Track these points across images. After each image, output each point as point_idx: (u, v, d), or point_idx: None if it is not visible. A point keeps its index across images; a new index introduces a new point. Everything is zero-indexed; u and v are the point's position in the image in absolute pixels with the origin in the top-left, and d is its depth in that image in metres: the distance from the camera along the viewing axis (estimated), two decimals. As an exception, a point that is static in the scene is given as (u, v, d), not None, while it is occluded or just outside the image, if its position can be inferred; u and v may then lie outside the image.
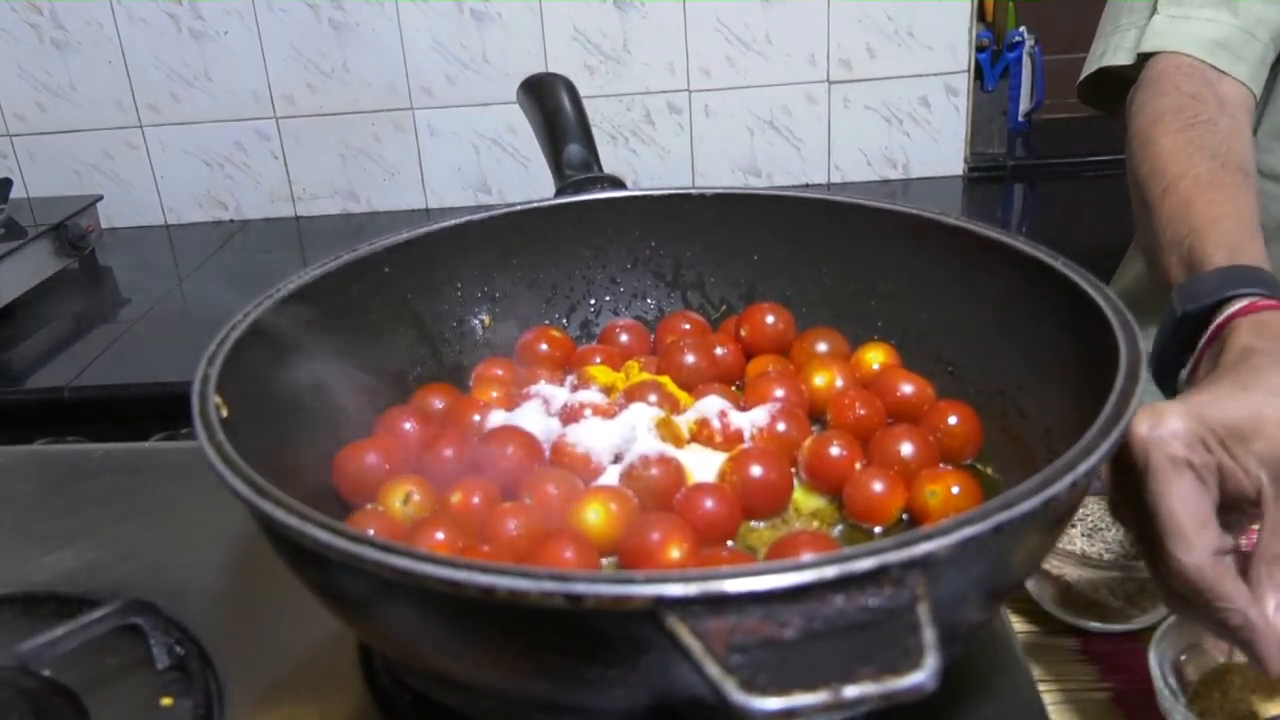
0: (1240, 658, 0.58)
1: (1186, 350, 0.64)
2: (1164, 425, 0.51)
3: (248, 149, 2.02)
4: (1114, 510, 0.57)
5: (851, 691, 0.33)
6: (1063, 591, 0.66)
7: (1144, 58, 0.87)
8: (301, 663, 0.60)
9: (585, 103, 0.86)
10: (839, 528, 0.60)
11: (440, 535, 0.54)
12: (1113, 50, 0.90)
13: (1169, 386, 0.66)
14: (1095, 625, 0.66)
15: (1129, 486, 0.53)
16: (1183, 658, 0.58)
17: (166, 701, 0.56)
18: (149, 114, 1.99)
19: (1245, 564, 0.52)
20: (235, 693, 0.58)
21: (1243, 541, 0.55)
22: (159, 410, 1.34)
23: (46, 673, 0.57)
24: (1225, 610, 0.50)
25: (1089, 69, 0.93)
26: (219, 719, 0.56)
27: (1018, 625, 0.67)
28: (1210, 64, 0.84)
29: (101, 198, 1.91)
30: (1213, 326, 0.61)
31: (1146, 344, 0.53)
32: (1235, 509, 0.53)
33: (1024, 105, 2.02)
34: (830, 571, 0.36)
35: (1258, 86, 0.86)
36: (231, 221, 2.07)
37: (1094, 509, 0.70)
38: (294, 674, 0.59)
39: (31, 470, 0.81)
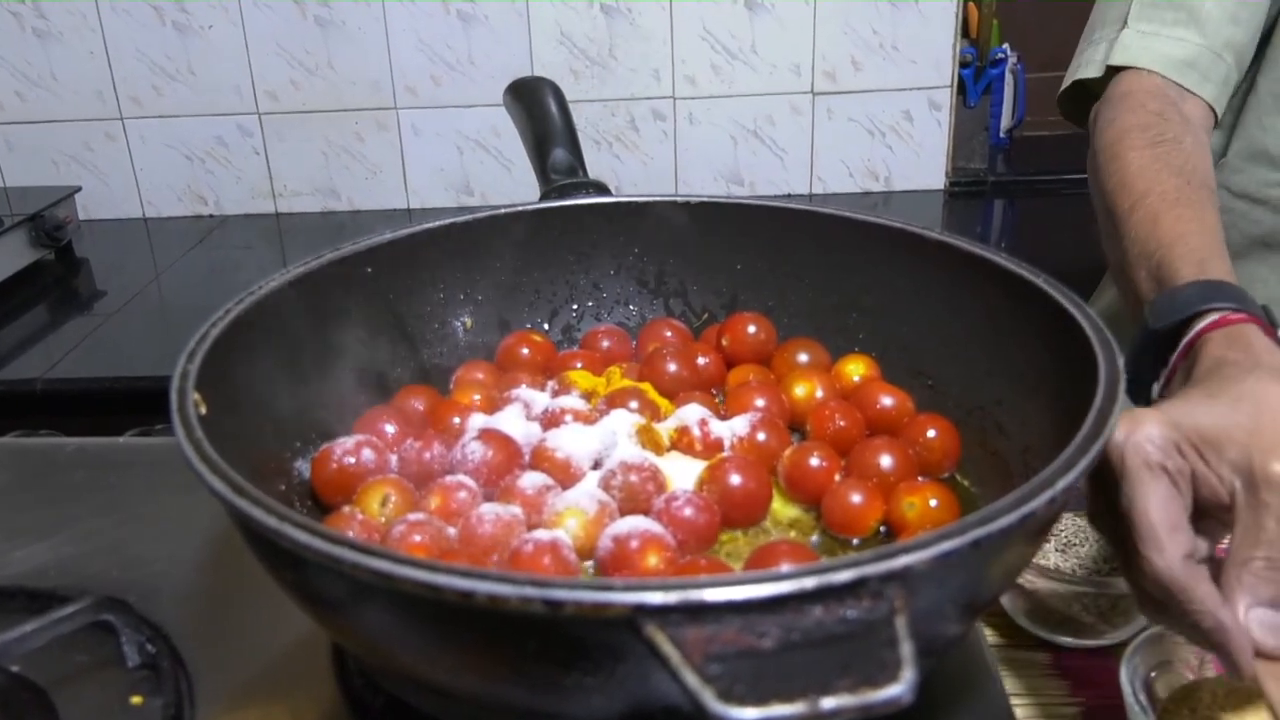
0: (1210, 673, 0.59)
1: (1159, 365, 0.64)
2: (1140, 431, 0.52)
3: (229, 144, 2.01)
4: (1092, 519, 0.58)
5: (829, 703, 0.33)
6: (1036, 606, 0.66)
7: (1113, 71, 0.88)
8: (274, 663, 0.59)
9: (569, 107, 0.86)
10: (815, 538, 0.61)
11: (418, 538, 0.54)
12: (1085, 64, 0.91)
13: (1143, 402, 0.66)
14: (1067, 640, 0.66)
15: (1105, 493, 0.53)
16: (1153, 674, 0.59)
17: (136, 700, 0.56)
18: (130, 106, 1.97)
19: (1218, 570, 0.52)
20: (206, 692, 0.57)
21: (1217, 548, 0.56)
22: (133, 405, 1.33)
23: (15, 668, 0.56)
24: (1198, 613, 0.51)
25: (1066, 82, 0.94)
26: (189, 718, 0.55)
27: (990, 639, 0.67)
28: (1177, 82, 0.85)
29: (80, 189, 1.90)
30: (1185, 340, 0.62)
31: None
32: (1209, 515, 0.54)
33: (1006, 121, 2.04)
34: (809, 583, 0.36)
35: (1220, 107, 0.87)
36: (211, 216, 2.06)
37: (1068, 524, 0.71)
38: (266, 675, 0.59)
39: (3, 463, 0.80)
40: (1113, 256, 0.78)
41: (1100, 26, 0.91)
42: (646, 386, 0.69)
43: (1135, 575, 0.53)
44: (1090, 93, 0.92)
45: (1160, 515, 0.51)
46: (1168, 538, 0.51)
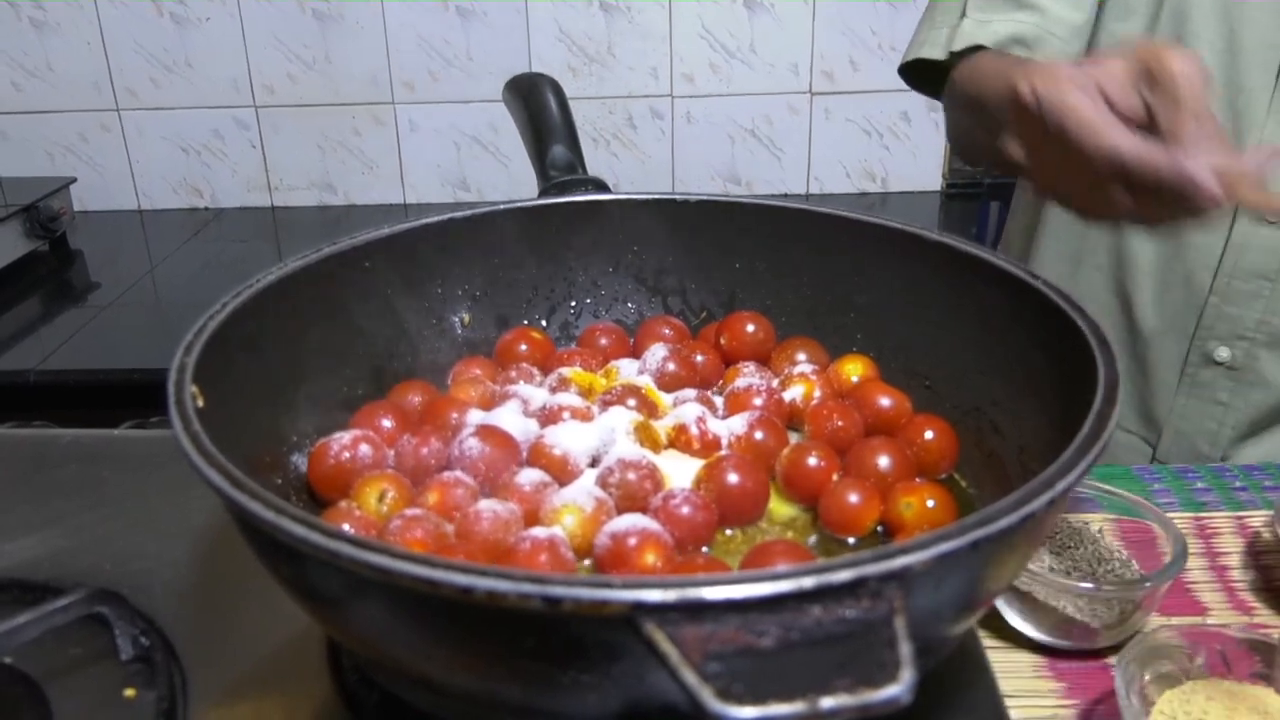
0: (1202, 678, 0.59)
1: None
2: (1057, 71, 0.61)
3: (225, 137, 2.00)
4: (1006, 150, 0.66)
5: (828, 703, 0.33)
6: (1030, 608, 0.66)
7: (956, 57, 0.92)
8: (268, 658, 0.59)
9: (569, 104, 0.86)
10: (813, 538, 0.61)
11: (415, 534, 0.54)
12: (929, 44, 0.96)
13: None
14: (1061, 643, 0.66)
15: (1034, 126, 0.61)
16: (1147, 677, 0.59)
17: (129, 693, 0.56)
18: (126, 98, 1.97)
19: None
20: (200, 686, 0.57)
21: None
22: (127, 397, 1.33)
23: (8, 660, 0.56)
24: (1156, 165, 0.55)
25: (908, 57, 0.99)
26: (182, 712, 0.55)
27: (985, 641, 0.67)
28: (1009, 54, 0.90)
29: (75, 180, 1.89)
30: None
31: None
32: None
33: (1003, 123, 2.04)
34: (808, 582, 0.36)
35: None
36: (206, 209, 2.06)
37: (1063, 527, 0.71)
38: (260, 669, 0.59)
39: (-4, 454, 0.80)
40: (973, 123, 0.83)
41: (941, 13, 0.96)
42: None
43: (1088, 174, 0.58)
44: (930, 68, 0.96)
45: (1092, 107, 0.58)
46: (1107, 122, 0.57)
